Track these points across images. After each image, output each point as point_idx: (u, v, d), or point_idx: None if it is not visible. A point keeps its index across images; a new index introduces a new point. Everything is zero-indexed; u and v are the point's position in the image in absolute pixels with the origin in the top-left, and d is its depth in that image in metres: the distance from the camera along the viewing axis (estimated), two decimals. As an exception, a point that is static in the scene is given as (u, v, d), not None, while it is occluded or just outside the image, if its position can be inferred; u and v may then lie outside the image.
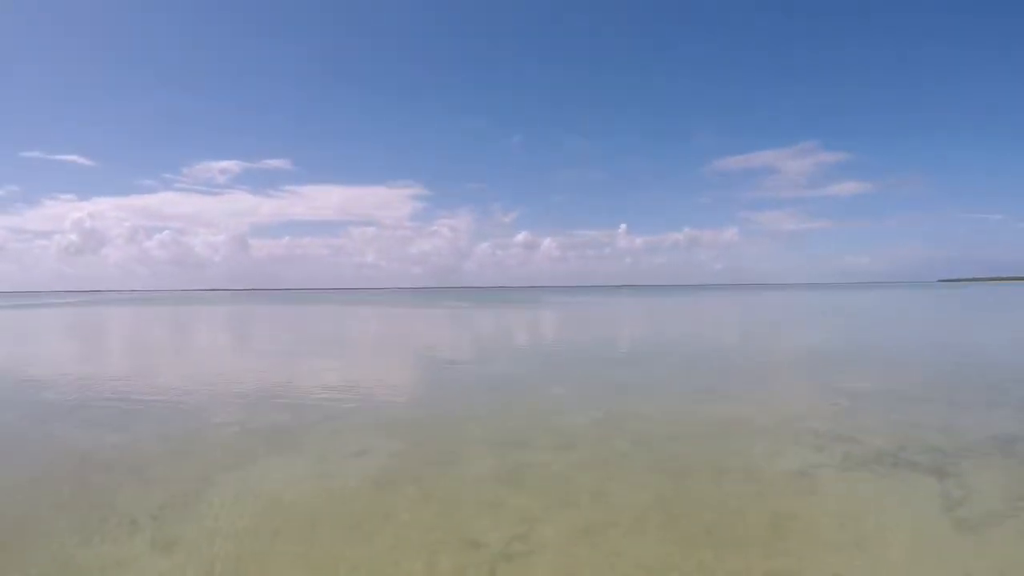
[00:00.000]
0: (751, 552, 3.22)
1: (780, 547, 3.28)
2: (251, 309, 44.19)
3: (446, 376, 10.05)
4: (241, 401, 7.69)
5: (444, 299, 66.76)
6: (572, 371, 10.26)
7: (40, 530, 3.63)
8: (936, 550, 3.25)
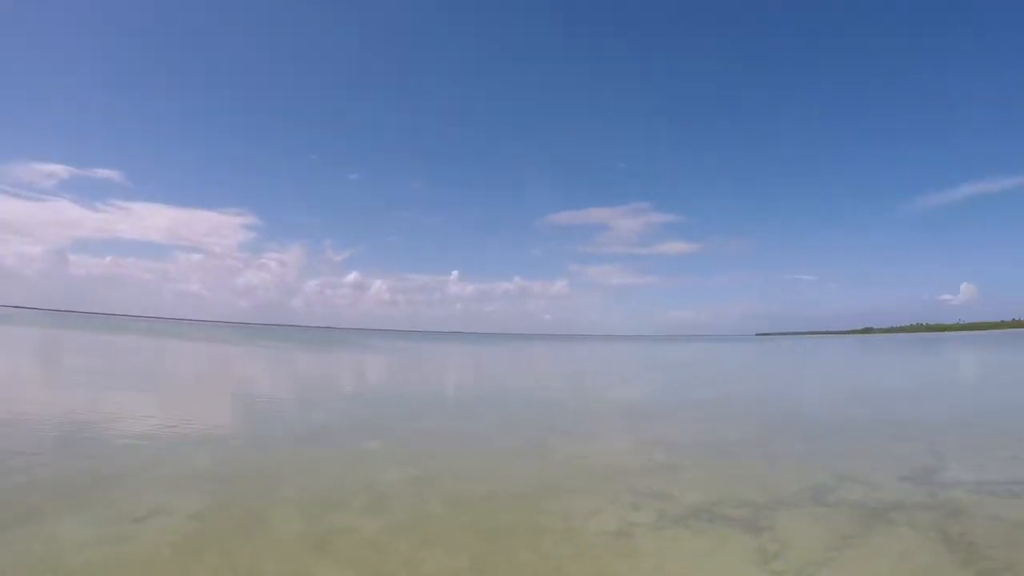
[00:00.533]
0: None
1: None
2: (57, 335, 39.20)
3: (258, 425, 9.33)
4: (27, 445, 6.70)
5: (267, 337, 64.01)
6: (391, 422, 9.85)
7: None
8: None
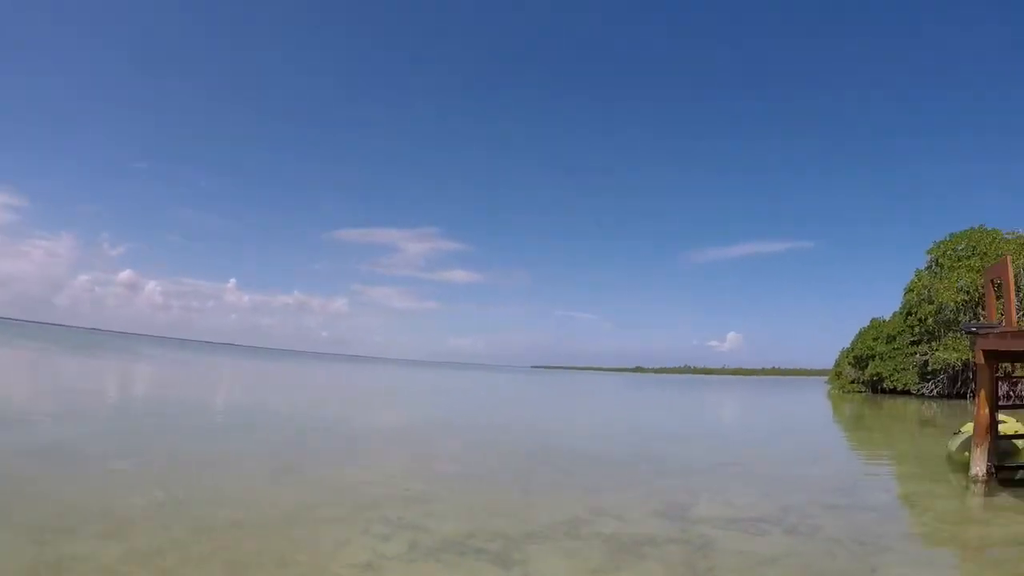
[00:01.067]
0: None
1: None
2: None
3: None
4: None
5: (24, 336, 57.48)
6: (145, 441, 8.82)
7: None
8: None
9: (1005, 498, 6.94)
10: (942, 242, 33.57)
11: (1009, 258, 7.42)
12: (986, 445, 7.47)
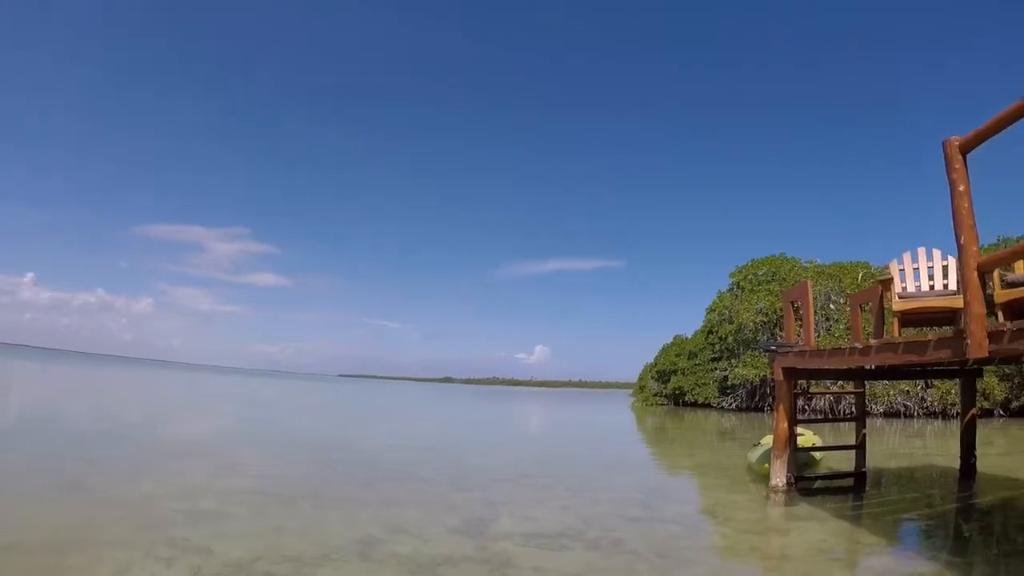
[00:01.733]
0: None
1: None
2: None
3: None
4: None
5: None
6: None
7: None
8: None
9: (804, 507, 7.34)
10: (744, 266, 36.60)
11: (809, 283, 7.91)
12: (785, 457, 7.90)
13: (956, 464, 9.57)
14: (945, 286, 7.37)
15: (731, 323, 34.59)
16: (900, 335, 6.78)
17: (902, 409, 25.60)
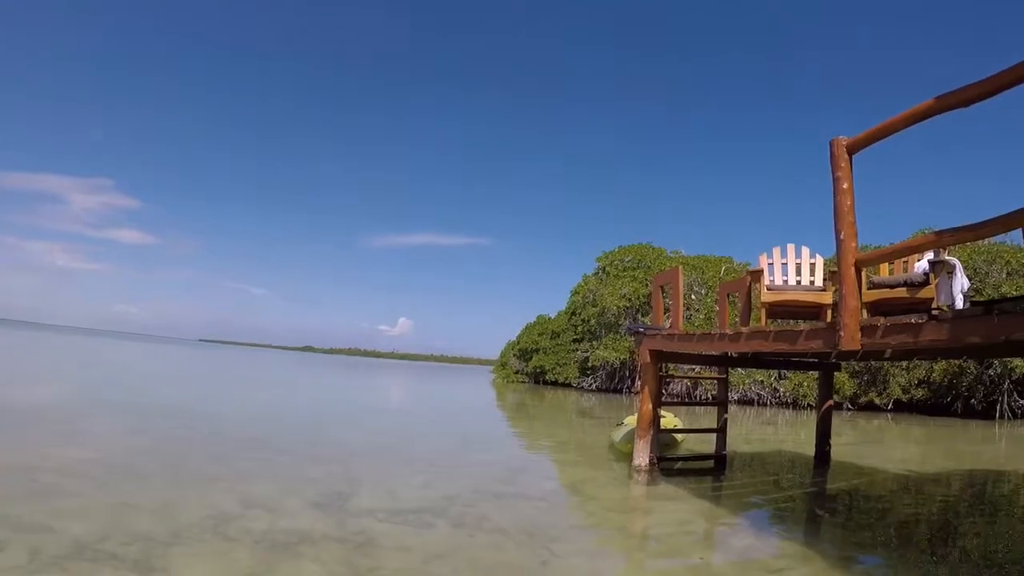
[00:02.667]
0: None
1: None
2: None
3: None
4: None
5: None
6: None
7: None
8: None
9: (666, 487, 7.57)
10: (611, 252, 37.69)
11: (680, 269, 8.06)
12: (649, 437, 8.07)
13: (810, 451, 10.30)
14: (812, 282, 7.74)
15: (595, 306, 35.53)
16: (767, 325, 7.00)
17: (755, 398, 27.25)
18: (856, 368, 23.55)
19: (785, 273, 7.78)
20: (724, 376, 9.46)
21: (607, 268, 36.63)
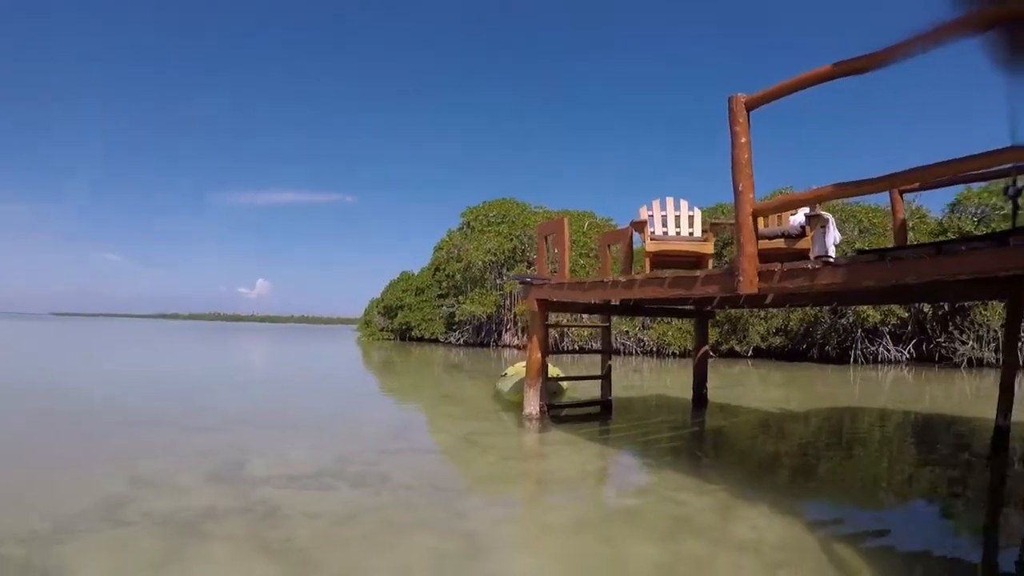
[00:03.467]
0: None
1: None
2: None
3: None
4: None
5: None
6: None
7: None
8: None
9: (559, 434, 7.71)
10: (476, 207, 37.59)
11: (567, 220, 8.10)
12: (538, 386, 8.14)
13: (685, 394, 10.90)
14: (691, 234, 8.04)
15: (459, 261, 35.47)
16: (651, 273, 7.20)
17: (621, 347, 28.23)
18: (718, 318, 24.95)
19: (666, 224, 8.05)
20: (607, 324, 9.70)
21: (472, 223, 36.61)
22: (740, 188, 4.68)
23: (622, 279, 6.59)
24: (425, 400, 11.58)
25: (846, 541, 3.99)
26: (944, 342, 21.92)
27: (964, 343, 21.07)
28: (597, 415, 9.20)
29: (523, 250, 33.99)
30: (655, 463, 6.40)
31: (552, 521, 4.48)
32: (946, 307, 21.29)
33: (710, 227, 8.20)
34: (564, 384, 9.95)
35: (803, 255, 7.11)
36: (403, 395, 12.66)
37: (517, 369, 11.53)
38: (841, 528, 4.38)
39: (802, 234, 7.30)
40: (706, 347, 10.39)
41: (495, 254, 33.49)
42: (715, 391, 11.40)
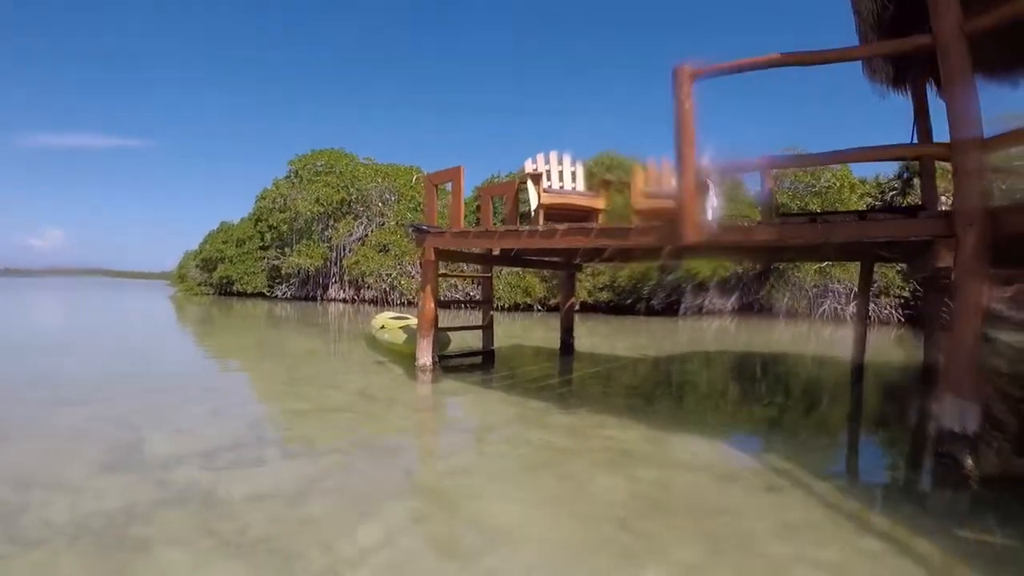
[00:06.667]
0: None
1: None
2: None
3: None
4: None
5: None
6: None
7: None
8: None
9: (453, 383, 7.66)
10: (304, 156, 35.52)
11: (463, 168, 7.78)
12: (431, 337, 7.89)
13: (544, 344, 11.31)
14: (574, 188, 8.14)
15: (283, 212, 33.50)
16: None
17: (458, 299, 27.57)
18: (545, 275, 25.50)
19: (561, 179, 8.11)
20: (489, 275, 9.57)
21: (300, 172, 34.59)
22: (684, 150, 4.89)
23: (541, 228, 6.50)
24: (297, 356, 10.55)
25: (766, 457, 4.57)
26: (763, 296, 24.11)
27: (783, 297, 23.33)
28: (480, 365, 9.20)
29: (350, 201, 32.70)
30: (562, 405, 6.50)
31: (505, 467, 4.41)
32: (758, 267, 23.51)
33: (601, 183, 8.36)
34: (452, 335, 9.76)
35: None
36: (267, 351, 11.59)
37: (385, 320, 11.13)
38: (756, 448, 5.12)
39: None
40: (572, 299, 10.62)
41: (324, 204, 31.99)
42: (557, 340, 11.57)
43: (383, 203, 32.60)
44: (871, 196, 23.72)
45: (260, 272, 35.77)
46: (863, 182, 24.36)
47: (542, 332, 15.24)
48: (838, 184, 23.57)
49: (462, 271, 18.02)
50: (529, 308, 26.04)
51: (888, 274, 21.16)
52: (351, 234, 31.67)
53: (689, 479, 4.11)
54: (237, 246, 37.39)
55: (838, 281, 22.34)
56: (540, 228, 6.58)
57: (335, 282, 32.33)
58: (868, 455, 5.41)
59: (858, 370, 8.14)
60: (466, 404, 6.63)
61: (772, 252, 9.27)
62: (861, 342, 8.15)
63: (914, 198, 21.89)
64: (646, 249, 6.20)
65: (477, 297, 25.28)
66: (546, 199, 7.63)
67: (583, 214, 7.87)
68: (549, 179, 8.07)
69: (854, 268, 21.09)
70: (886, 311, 21.62)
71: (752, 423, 6.17)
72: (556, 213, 7.78)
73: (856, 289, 12.76)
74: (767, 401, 7.35)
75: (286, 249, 33.92)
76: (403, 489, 3.92)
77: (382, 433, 5.40)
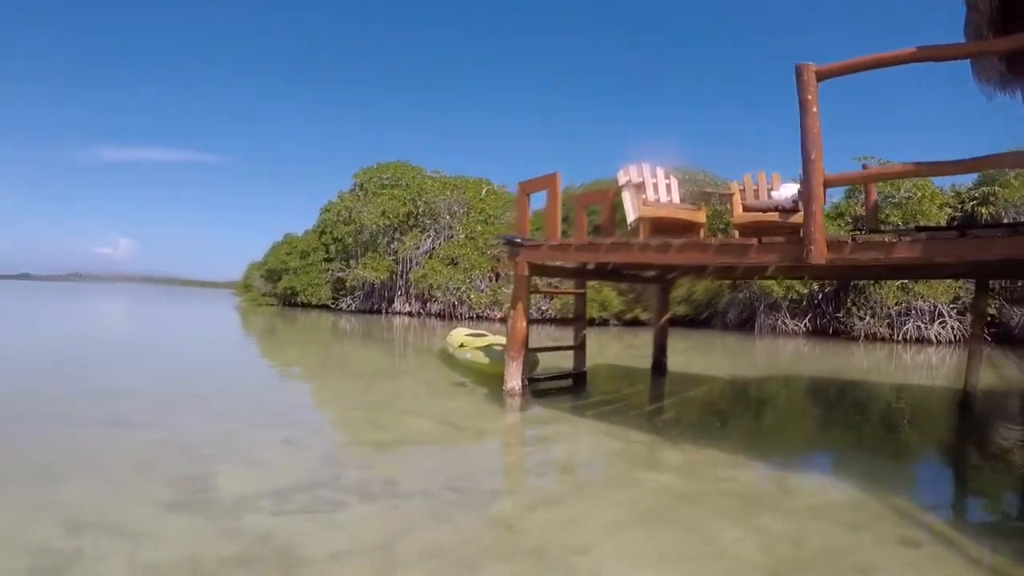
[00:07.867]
0: None
1: None
2: None
3: None
4: None
5: None
6: None
7: None
8: None
9: (544, 411, 6.97)
10: (369, 168, 35.58)
11: (559, 174, 7.12)
12: (521, 358, 7.26)
13: (633, 363, 10.76)
14: (670, 201, 7.50)
15: (348, 224, 33.48)
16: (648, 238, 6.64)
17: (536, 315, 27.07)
18: (622, 288, 24.64)
19: (658, 191, 7.53)
20: (583, 291, 8.89)
21: (365, 185, 34.60)
22: (812, 157, 4.36)
23: (653, 243, 5.83)
24: (367, 375, 9.90)
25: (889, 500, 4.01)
26: (842, 317, 22.59)
27: (861, 319, 21.75)
28: (570, 388, 8.49)
29: (417, 214, 32.52)
30: (668, 437, 5.88)
31: (617, 517, 3.70)
32: (835, 284, 22.04)
33: (701, 196, 7.74)
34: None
35: (796, 231, 6.64)
36: (335, 368, 11.11)
37: (463, 337, 10.52)
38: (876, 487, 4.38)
39: (795, 208, 6.78)
40: (667, 316, 9.81)
41: (389, 217, 31.86)
42: (644, 359, 10.72)
43: (451, 215, 32.29)
44: (950, 207, 22.07)
45: (324, 284, 35.85)
46: (941, 192, 22.72)
47: (618, 348, 14.51)
48: (919, 195, 21.81)
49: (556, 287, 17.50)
50: (604, 323, 25.17)
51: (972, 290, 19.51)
52: (418, 247, 31.45)
53: (818, 529, 3.60)
54: (301, 258, 37.58)
55: (922, 298, 20.64)
56: (652, 242, 5.85)
57: (401, 295, 32.14)
58: (1008, 501, 4.65)
59: (969, 398, 7.62)
60: (562, 436, 5.90)
61: (893, 270, 8.43)
62: (975, 369, 7.61)
63: (994, 208, 20.59)
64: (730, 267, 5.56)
65: (551, 313, 24.70)
66: (648, 211, 6.91)
67: (685, 227, 7.16)
68: (656, 191, 7.47)
69: (939, 285, 19.71)
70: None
71: (863, 457, 5.60)
72: (658, 226, 7.07)
73: (969, 310, 11.85)
74: (870, 431, 6.84)
75: (351, 261, 33.90)
76: (504, 546, 3.23)
77: (472, 473, 4.65)
